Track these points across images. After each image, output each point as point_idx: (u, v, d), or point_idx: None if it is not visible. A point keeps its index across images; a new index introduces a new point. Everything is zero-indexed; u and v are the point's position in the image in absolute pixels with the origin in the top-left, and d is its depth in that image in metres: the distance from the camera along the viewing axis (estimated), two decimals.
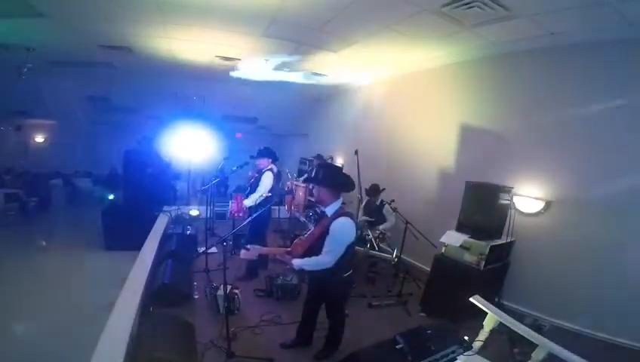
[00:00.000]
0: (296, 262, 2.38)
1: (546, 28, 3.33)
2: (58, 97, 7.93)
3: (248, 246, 2.49)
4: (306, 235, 2.58)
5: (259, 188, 4.06)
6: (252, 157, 4.34)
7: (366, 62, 5.47)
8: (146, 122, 9.28)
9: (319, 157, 7.09)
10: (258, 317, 3.27)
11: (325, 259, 2.33)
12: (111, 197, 5.85)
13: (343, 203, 2.51)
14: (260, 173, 4.15)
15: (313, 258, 2.36)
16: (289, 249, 2.55)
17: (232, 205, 4.36)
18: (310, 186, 2.73)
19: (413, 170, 5.34)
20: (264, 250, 2.64)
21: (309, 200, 5.61)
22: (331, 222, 2.35)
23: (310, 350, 2.83)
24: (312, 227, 2.74)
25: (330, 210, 2.46)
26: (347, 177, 2.59)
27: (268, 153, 4.23)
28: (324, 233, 2.37)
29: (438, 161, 4.93)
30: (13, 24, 4.47)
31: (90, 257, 5.60)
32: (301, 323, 2.87)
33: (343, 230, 2.36)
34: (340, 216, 2.39)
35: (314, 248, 2.40)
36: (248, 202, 4.13)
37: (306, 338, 2.87)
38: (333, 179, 2.50)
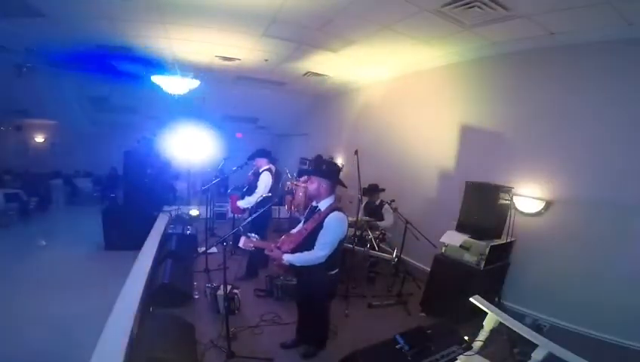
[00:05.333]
0: (288, 258, 2.39)
1: (546, 28, 3.33)
2: (58, 97, 7.92)
3: (250, 235, 2.51)
4: (295, 231, 2.58)
5: (257, 189, 4.06)
6: (249, 158, 4.36)
7: (366, 62, 5.47)
8: (145, 122, 9.28)
9: (319, 157, 7.08)
10: (258, 317, 3.27)
11: (319, 254, 2.33)
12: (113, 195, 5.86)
13: (335, 198, 2.54)
14: (258, 173, 4.15)
15: (305, 253, 2.36)
16: (278, 244, 2.53)
17: (230, 204, 4.40)
18: (307, 178, 2.72)
19: (413, 170, 5.34)
20: (260, 243, 2.63)
21: (310, 200, 5.61)
22: (326, 216, 2.36)
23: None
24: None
25: (323, 205, 2.47)
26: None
27: (263, 153, 4.23)
28: (318, 228, 2.37)
29: (438, 161, 4.93)
30: (13, 24, 4.47)
31: (90, 257, 5.60)
32: (298, 324, 2.87)
33: (338, 224, 2.37)
34: (334, 210, 2.41)
35: (304, 244, 2.40)
36: (243, 203, 4.13)
37: (305, 338, 2.86)
38: (335, 173, 2.54)
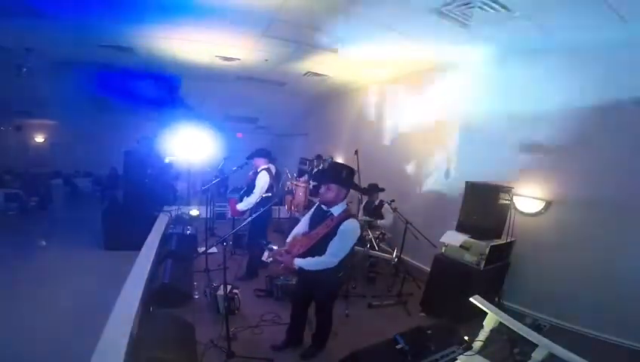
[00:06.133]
0: (299, 262, 2.35)
1: (546, 28, 3.33)
2: (58, 97, 7.92)
3: (272, 247, 2.50)
4: (306, 234, 2.54)
5: (255, 190, 4.05)
6: (248, 158, 4.35)
7: (366, 63, 5.47)
8: (146, 122, 9.28)
9: (319, 157, 7.08)
10: (258, 317, 3.27)
11: (331, 260, 2.31)
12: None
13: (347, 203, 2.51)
14: (256, 173, 4.15)
15: (316, 258, 2.33)
16: (286, 248, 2.51)
17: (229, 207, 4.39)
18: (317, 184, 2.66)
19: (413, 170, 5.34)
20: (275, 252, 2.61)
21: (310, 200, 5.61)
22: (340, 224, 2.32)
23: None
24: (304, 222, 2.70)
25: (336, 211, 2.42)
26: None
27: (262, 153, 4.22)
28: (330, 234, 2.34)
29: (438, 161, 4.93)
30: (13, 24, 4.47)
31: (90, 257, 5.60)
32: (291, 324, 2.85)
33: (353, 232, 2.35)
34: (348, 217, 2.37)
35: (316, 248, 2.37)
36: (242, 206, 4.12)
37: (297, 338, 2.86)
38: (352, 181, 2.50)
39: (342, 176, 2.43)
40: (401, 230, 4.21)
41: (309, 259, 2.34)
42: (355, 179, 3.77)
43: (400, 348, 1.78)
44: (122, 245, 5.31)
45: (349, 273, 3.74)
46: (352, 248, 2.45)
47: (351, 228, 2.32)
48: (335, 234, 2.32)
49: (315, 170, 6.64)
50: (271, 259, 2.55)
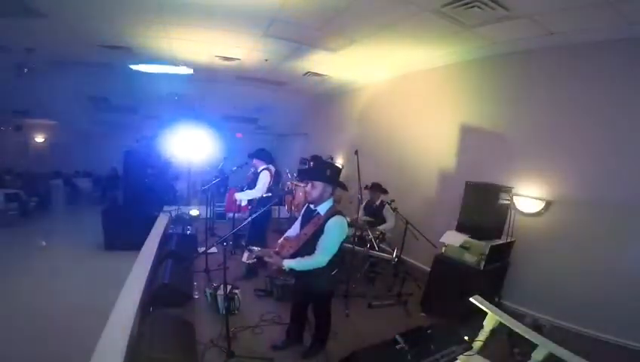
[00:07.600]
0: (289, 263, 2.33)
1: (546, 28, 3.33)
2: (58, 97, 7.92)
3: (252, 248, 2.48)
4: (294, 236, 2.54)
5: (257, 187, 4.06)
6: (249, 156, 4.36)
7: (366, 62, 5.47)
8: (146, 122, 9.29)
9: (316, 158, 7.07)
10: (258, 317, 3.27)
11: (321, 259, 2.31)
12: None
13: (334, 201, 2.50)
14: (257, 173, 4.15)
15: (306, 258, 2.32)
16: (277, 250, 2.50)
17: (226, 199, 4.37)
18: (306, 182, 2.66)
19: (414, 170, 5.34)
20: (261, 252, 2.61)
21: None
22: (326, 221, 2.33)
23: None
24: (297, 224, 2.70)
25: (322, 209, 2.42)
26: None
27: (260, 155, 4.22)
28: (318, 232, 2.34)
29: (438, 161, 4.93)
30: (13, 24, 4.47)
31: (90, 257, 5.60)
32: (291, 324, 2.85)
33: (340, 229, 2.35)
34: (335, 214, 2.37)
35: (304, 248, 2.37)
36: (241, 195, 4.12)
37: (297, 338, 2.86)
38: (338, 177, 2.49)
39: (326, 173, 2.44)
40: (401, 230, 4.20)
41: (298, 259, 2.34)
42: (355, 179, 3.81)
43: (400, 348, 1.77)
44: (122, 245, 5.31)
45: (347, 272, 3.75)
46: (342, 245, 2.44)
47: (336, 225, 2.32)
48: (323, 232, 2.32)
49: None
50: (252, 260, 2.54)
